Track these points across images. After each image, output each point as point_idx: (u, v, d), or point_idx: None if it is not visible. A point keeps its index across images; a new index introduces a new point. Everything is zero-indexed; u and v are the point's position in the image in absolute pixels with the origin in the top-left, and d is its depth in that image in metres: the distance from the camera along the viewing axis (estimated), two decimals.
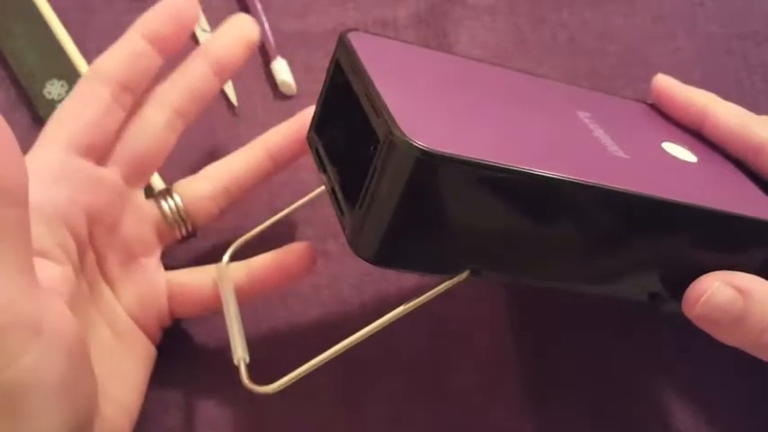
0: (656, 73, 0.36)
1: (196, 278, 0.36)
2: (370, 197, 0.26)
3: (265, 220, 0.37)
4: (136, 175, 0.34)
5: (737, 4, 0.44)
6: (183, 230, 0.35)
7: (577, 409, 0.36)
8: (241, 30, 0.36)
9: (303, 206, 0.37)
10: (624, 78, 0.42)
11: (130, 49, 0.33)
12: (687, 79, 0.35)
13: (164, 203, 0.35)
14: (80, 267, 0.31)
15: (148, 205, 0.35)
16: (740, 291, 0.28)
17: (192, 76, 0.35)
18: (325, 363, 0.28)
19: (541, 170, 0.26)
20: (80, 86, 0.33)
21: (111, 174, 0.33)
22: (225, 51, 0.35)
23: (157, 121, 0.34)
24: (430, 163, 0.24)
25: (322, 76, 0.32)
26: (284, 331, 0.37)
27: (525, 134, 0.28)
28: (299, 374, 0.28)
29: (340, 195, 0.29)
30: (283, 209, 0.37)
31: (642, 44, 0.43)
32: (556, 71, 0.43)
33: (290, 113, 0.39)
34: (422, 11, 0.44)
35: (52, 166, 0.31)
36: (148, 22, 0.34)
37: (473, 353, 0.37)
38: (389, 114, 0.25)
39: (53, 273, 0.29)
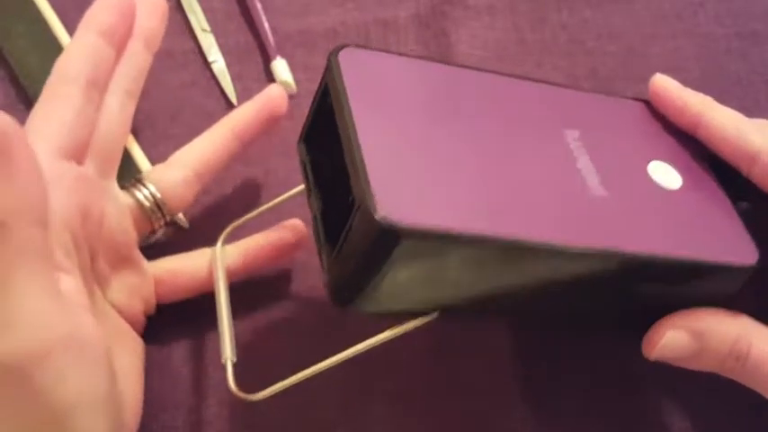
0: (655, 73, 0.35)
1: (190, 263, 0.36)
2: (344, 252, 0.27)
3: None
4: (106, 165, 0.34)
5: (737, 4, 0.44)
6: (160, 219, 0.35)
7: (577, 409, 0.36)
8: (151, 2, 0.37)
9: (301, 206, 0.37)
10: (624, 78, 0.42)
11: (88, 45, 0.34)
12: (687, 79, 0.35)
13: (138, 193, 0.35)
14: (80, 273, 0.31)
15: (123, 195, 0.35)
16: (695, 333, 0.30)
17: (132, 56, 0.36)
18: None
19: (506, 235, 0.26)
20: (51, 89, 0.33)
21: (89, 170, 0.33)
22: (149, 25, 0.36)
23: (114, 107, 0.34)
24: (400, 237, 0.25)
25: (321, 77, 0.31)
26: (282, 332, 0.37)
27: (501, 188, 0.28)
28: (288, 384, 0.29)
29: (320, 228, 0.30)
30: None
31: (642, 44, 0.43)
32: (556, 71, 0.43)
33: (289, 113, 0.39)
34: (422, 11, 0.44)
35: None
36: (97, 18, 0.34)
37: (473, 354, 0.37)
38: (366, 177, 0.26)
39: (69, 285, 0.29)
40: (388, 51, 0.31)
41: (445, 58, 0.43)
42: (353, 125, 0.27)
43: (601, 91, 0.36)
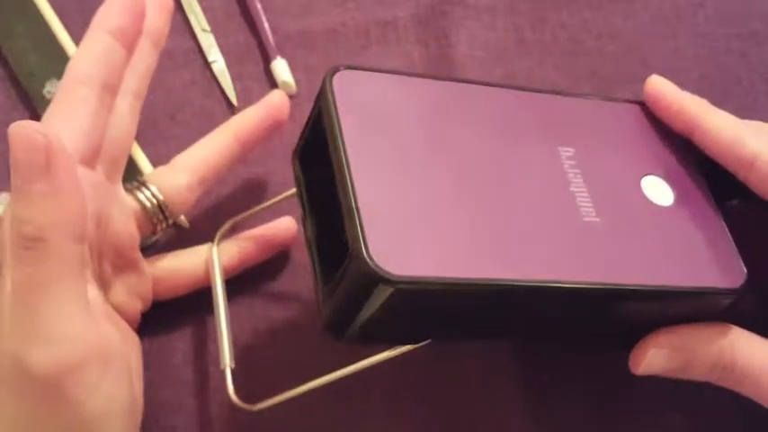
0: (652, 74, 0.35)
1: (188, 261, 0.37)
2: (338, 294, 0.27)
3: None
4: (114, 169, 0.34)
5: (737, 4, 0.44)
6: (163, 221, 0.35)
7: (577, 407, 0.36)
8: (159, 1, 0.36)
9: (297, 206, 0.37)
10: (624, 78, 0.42)
11: (101, 46, 0.33)
12: (687, 79, 0.35)
13: (141, 196, 0.35)
14: (95, 281, 0.31)
15: (128, 198, 0.35)
16: (677, 349, 0.31)
17: (139, 56, 0.35)
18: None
19: (498, 279, 0.27)
20: (65, 91, 0.32)
21: (99, 176, 0.33)
22: (156, 24, 0.35)
23: (124, 109, 0.34)
24: (393, 285, 0.25)
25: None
26: (281, 334, 0.37)
27: (494, 228, 0.28)
28: (288, 397, 0.30)
29: (315, 256, 0.30)
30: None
31: (642, 44, 0.43)
32: (556, 71, 0.43)
33: (290, 115, 0.39)
34: (422, 11, 0.44)
35: None
36: (108, 18, 0.33)
37: (471, 353, 0.37)
38: (360, 222, 0.26)
39: (91, 295, 0.29)
40: (382, 71, 0.31)
41: (445, 59, 0.43)
42: (347, 163, 0.27)
43: (599, 92, 0.36)
